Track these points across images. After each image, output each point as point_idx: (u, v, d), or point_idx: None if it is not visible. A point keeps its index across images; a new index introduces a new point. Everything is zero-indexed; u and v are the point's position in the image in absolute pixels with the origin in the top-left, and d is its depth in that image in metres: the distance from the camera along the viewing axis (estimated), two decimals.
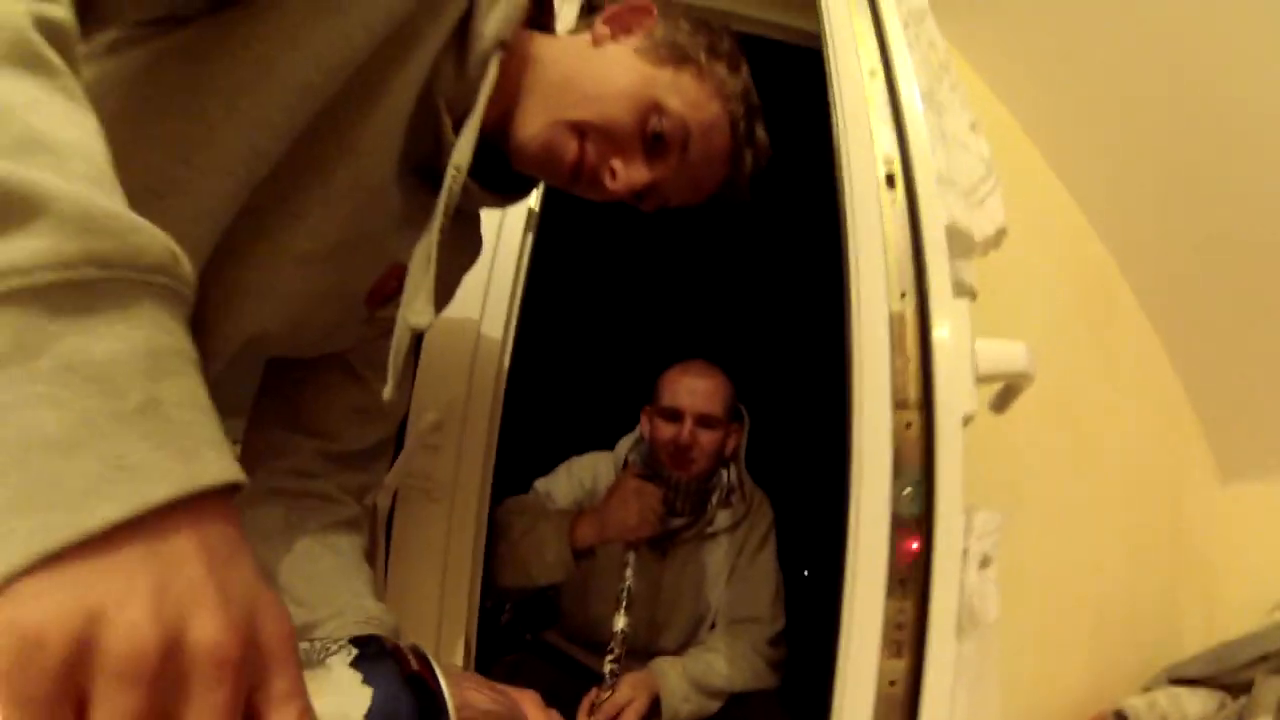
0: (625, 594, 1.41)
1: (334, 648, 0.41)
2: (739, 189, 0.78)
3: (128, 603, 0.25)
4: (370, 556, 0.85)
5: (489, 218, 0.95)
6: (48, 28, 0.34)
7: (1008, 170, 1.66)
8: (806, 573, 1.66)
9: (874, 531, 0.71)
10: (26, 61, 0.32)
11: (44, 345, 0.26)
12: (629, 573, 1.41)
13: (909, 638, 0.71)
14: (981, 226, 0.96)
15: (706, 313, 2.17)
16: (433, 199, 0.66)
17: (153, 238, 0.31)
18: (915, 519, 0.72)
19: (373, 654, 0.39)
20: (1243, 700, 1.48)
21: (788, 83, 1.26)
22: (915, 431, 0.75)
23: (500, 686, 0.56)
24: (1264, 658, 1.50)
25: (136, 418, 0.27)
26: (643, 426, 1.58)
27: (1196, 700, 1.53)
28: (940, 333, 0.76)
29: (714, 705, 1.40)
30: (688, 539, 1.52)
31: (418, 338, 0.71)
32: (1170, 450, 1.71)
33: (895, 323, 0.78)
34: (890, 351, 0.76)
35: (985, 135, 1.22)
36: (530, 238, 1.21)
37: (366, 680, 0.37)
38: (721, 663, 1.43)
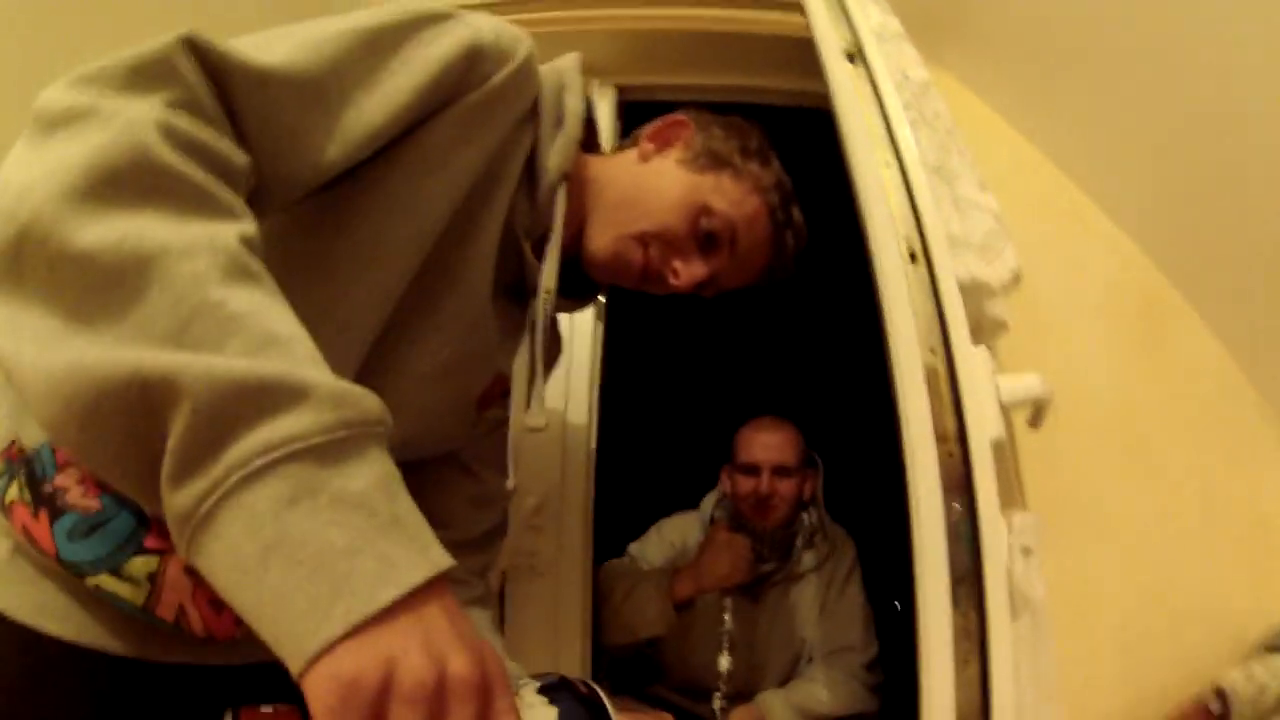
0: (726, 636, 1.75)
1: (521, 682, 0.59)
2: (785, 267, 1.02)
3: (409, 652, 0.40)
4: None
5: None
6: (248, 242, 0.48)
7: (1042, 204, 2.05)
8: (898, 604, 2.00)
9: (934, 543, 1.08)
10: (243, 274, 0.46)
11: (320, 487, 0.40)
12: (727, 616, 1.76)
13: (975, 624, 1.08)
14: (998, 275, 1.34)
15: (771, 375, 2.55)
16: (523, 311, 0.86)
17: (373, 400, 0.46)
18: (963, 529, 1.10)
19: (552, 683, 0.57)
20: None
21: (809, 148, 1.58)
22: (956, 458, 1.13)
23: (641, 714, 0.85)
24: None
25: (390, 528, 0.42)
26: (723, 484, 1.94)
27: None
28: (965, 377, 1.14)
29: None
30: (778, 582, 1.85)
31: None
32: (1237, 437, 2.00)
33: (929, 374, 1.16)
34: (928, 396, 1.14)
35: (1012, 179, 1.59)
36: (601, 327, 1.54)
37: (552, 702, 0.55)
38: (822, 690, 1.74)
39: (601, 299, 1.53)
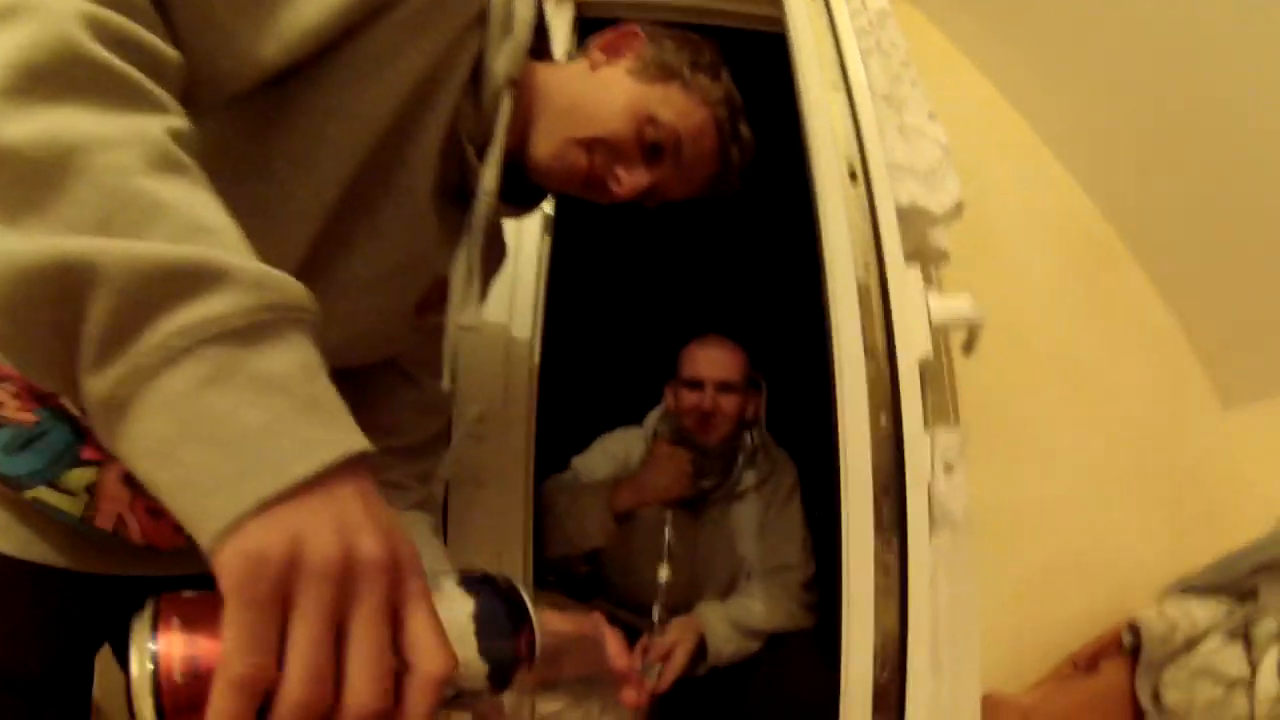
0: (666, 548, 1.79)
1: (441, 575, 0.57)
2: (729, 181, 1.01)
3: (318, 530, 0.40)
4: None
5: (509, 225, 1.14)
6: (177, 136, 0.47)
7: (993, 139, 2.06)
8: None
9: (859, 455, 1.10)
10: (171, 166, 0.45)
11: (238, 368, 0.40)
12: (668, 529, 1.80)
13: (894, 535, 1.10)
14: (941, 202, 1.34)
15: (715, 294, 2.55)
16: (465, 217, 0.86)
17: (298, 287, 0.45)
18: (887, 443, 1.11)
19: (472, 577, 0.55)
20: (1249, 606, 1.78)
21: (764, 73, 1.63)
22: (883, 373, 1.14)
23: (570, 613, 0.76)
24: (1267, 565, 1.81)
25: (307, 409, 0.42)
26: (667, 400, 1.98)
27: (1205, 609, 1.82)
28: (897, 295, 1.15)
29: (754, 645, 1.76)
30: (718, 499, 1.90)
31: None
32: (1170, 383, 2.04)
33: (862, 290, 1.16)
34: (859, 311, 1.15)
35: (966, 112, 1.59)
36: (548, 240, 1.54)
37: (469, 591, 0.54)
38: (759, 606, 1.78)
39: (549, 211, 1.52)
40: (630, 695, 0.68)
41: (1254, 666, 1.70)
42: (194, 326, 0.40)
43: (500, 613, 0.53)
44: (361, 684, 0.40)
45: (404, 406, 0.98)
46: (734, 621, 1.77)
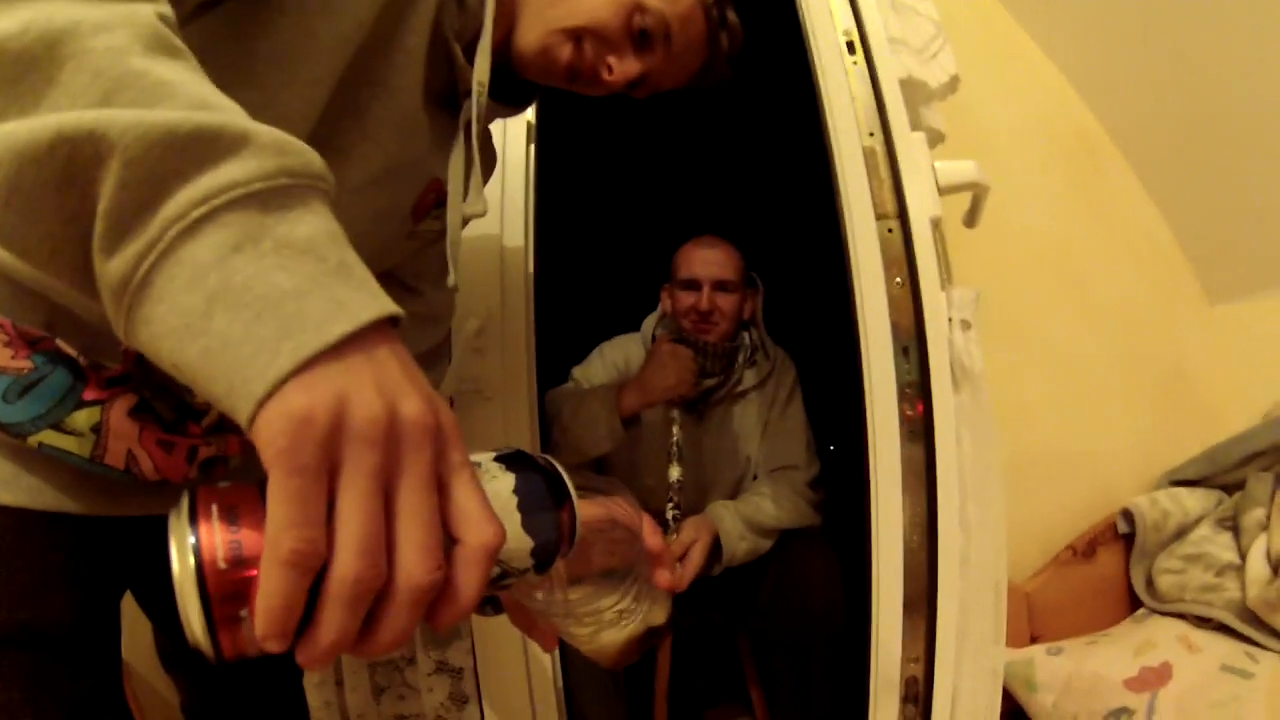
0: (675, 447, 1.78)
1: (477, 453, 0.53)
2: (719, 69, 0.98)
3: (361, 389, 0.37)
4: None
5: (494, 137, 1.10)
6: (166, 21, 0.45)
7: (982, 37, 2.03)
8: (832, 447, 2.02)
9: (877, 313, 1.07)
10: (166, 49, 0.43)
11: (263, 233, 0.38)
12: (676, 428, 1.78)
13: (918, 392, 1.07)
14: (935, 76, 1.31)
15: (707, 193, 2.50)
16: (455, 119, 0.84)
17: (316, 155, 0.43)
18: (907, 300, 1.08)
19: (509, 453, 0.52)
20: (1237, 496, 1.82)
21: None
22: (896, 234, 1.11)
23: (596, 498, 0.80)
24: (1255, 455, 1.85)
25: (339, 272, 0.40)
26: (664, 303, 1.95)
27: (1195, 498, 1.88)
28: (904, 156, 1.12)
29: (766, 543, 1.74)
30: (720, 399, 1.88)
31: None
32: (1157, 279, 2.05)
33: (868, 154, 1.13)
34: (867, 175, 1.11)
35: (957, 8, 1.55)
36: (532, 149, 1.49)
37: (508, 467, 0.50)
38: (768, 503, 1.76)
39: (531, 120, 1.46)
40: (665, 577, 0.65)
41: (1243, 553, 1.72)
42: (215, 193, 0.38)
43: (541, 488, 0.50)
44: (414, 556, 0.38)
45: (405, 318, 0.96)
46: (746, 519, 1.75)
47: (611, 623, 0.63)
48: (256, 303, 0.37)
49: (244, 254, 0.38)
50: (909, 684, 1.09)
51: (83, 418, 0.65)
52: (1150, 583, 1.86)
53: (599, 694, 1.61)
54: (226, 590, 0.37)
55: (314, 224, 0.41)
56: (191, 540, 0.37)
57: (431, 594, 0.38)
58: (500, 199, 1.47)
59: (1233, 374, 2.06)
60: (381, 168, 0.78)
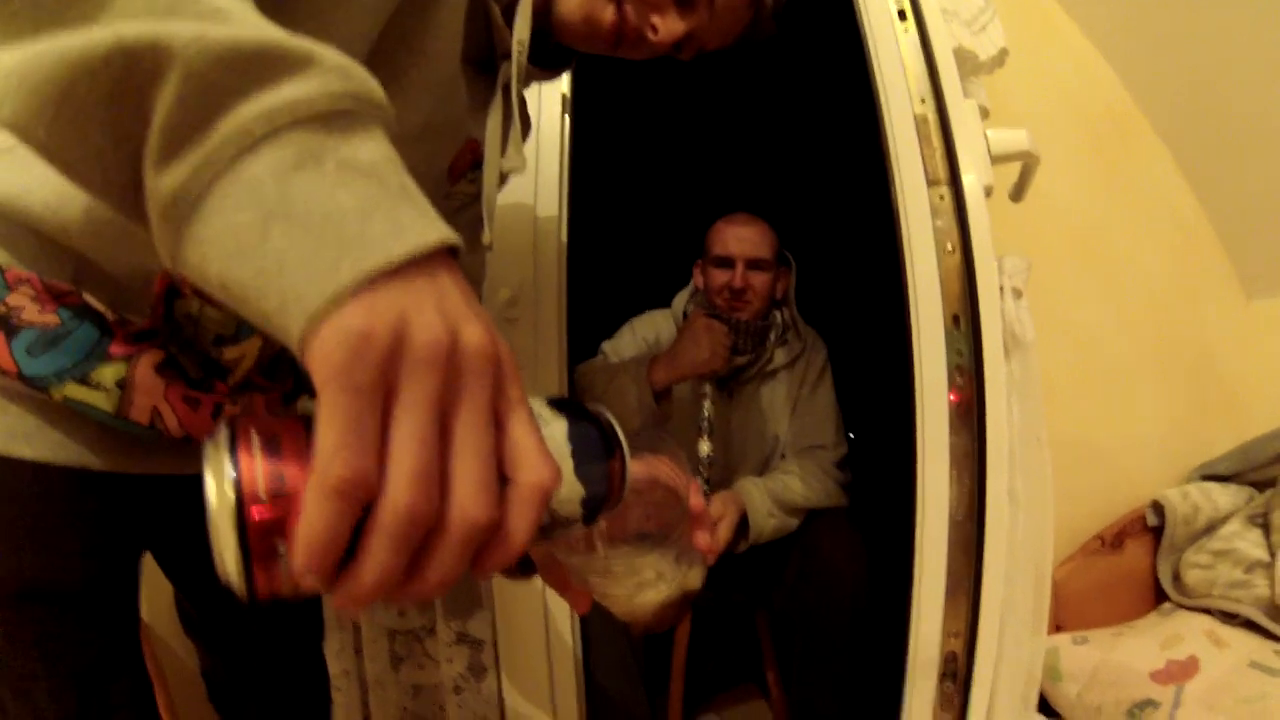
0: (706, 422, 1.75)
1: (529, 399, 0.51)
2: (764, 25, 0.94)
3: (423, 310, 0.35)
4: None
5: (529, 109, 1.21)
6: None
7: (1018, 12, 1.95)
8: (851, 435, 1.98)
9: (928, 280, 1.02)
10: None
11: (326, 153, 0.36)
12: (707, 403, 1.75)
13: (968, 362, 1.02)
14: (984, 48, 1.27)
15: (742, 169, 2.45)
16: (493, 83, 0.82)
17: (377, 84, 0.41)
18: (958, 268, 1.04)
19: (561, 399, 0.50)
20: (1269, 493, 1.76)
21: None
22: (947, 201, 1.06)
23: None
24: None
25: (401, 196, 0.37)
26: (696, 280, 1.92)
27: (1226, 494, 1.82)
28: (957, 123, 1.07)
29: (793, 522, 1.72)
30: (750, 377, 1.85)
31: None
32: (1192, 270, 1.99)
33: (919, 121, 1.09)
34: (919, 142, 1.07)
35: None
36: (568, 120, 1.47)
37: (561, 413, 0.48)
38: (796, 482, 1.73)
39: (566, 92, 1.47)
40: (704, 539, 0.62)
41: (1273, 551, 1.68)
42: (277, 111, 0.36)
43: (595, 436, 0.47)
44: (470, 492, 0.35)
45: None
46: (774, 496, 1.72)
47: (649, 584, 0.60)
48: (317, 221, 0.35)
49: (305, 172, 0.36)
50: (948, 660, 1.05)
51: (108, 372, 0.63)
52: (1177, 577, 1.81)
53: (617, 670, 1.57)
54: (265, 523, 0.34)
55: (376, 149, 0.38)
56: (230, 471, 0.34)
57: (485, 534, 0.36)
58: (535, 170, 1.45)
59: (1268, 370, 2.00)
60: (418, 127, 0.75)
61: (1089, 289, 1.91)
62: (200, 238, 0.36)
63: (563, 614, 1.37)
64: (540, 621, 1.35)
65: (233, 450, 0.34)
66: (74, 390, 0.61)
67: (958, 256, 1.03)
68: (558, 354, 1.41)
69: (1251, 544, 1.72)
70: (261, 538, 0.34)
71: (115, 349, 0.63)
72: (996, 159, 1.10)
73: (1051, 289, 1.82)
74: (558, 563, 0.60)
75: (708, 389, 1.77)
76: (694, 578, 0.62)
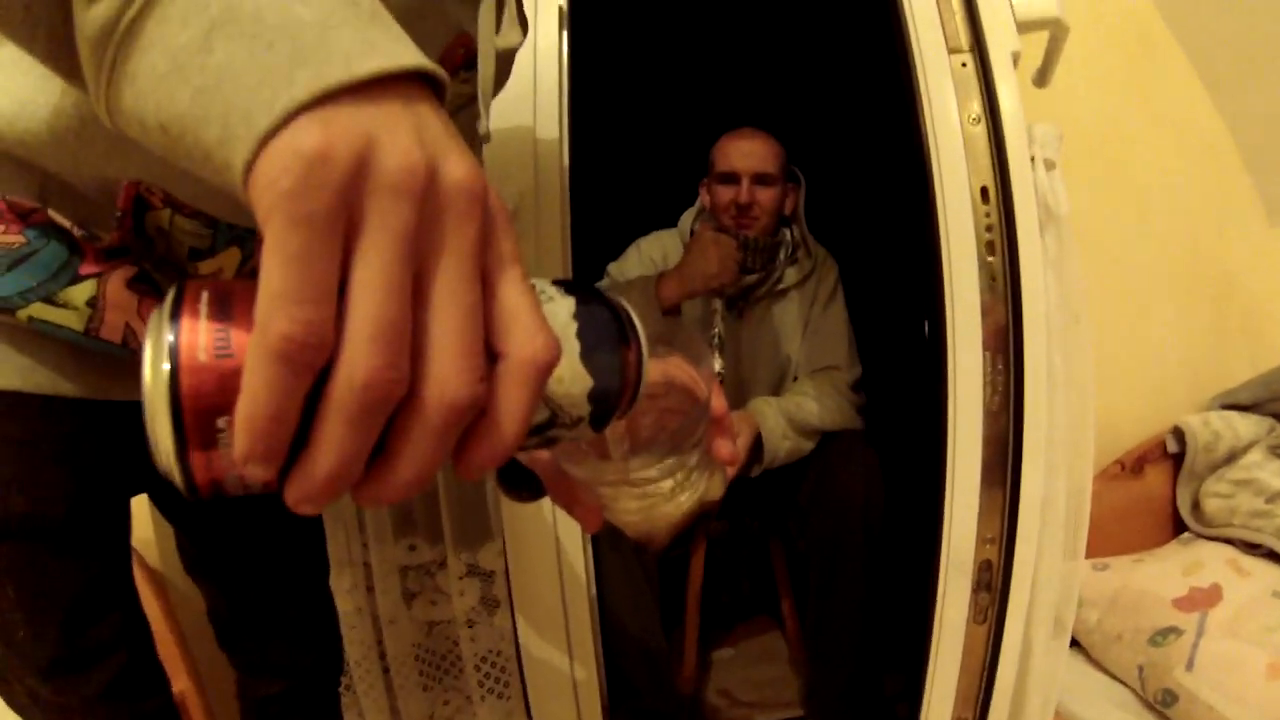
0: (717, 339, 1.63)
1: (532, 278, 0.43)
2: None
3: (396, 132, 0.27)
4: None
5: None
6: None
7: None
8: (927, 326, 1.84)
9: (952, 151, 0.87)
10: None
11: None
12: (717, 319, 1.62)
13: (999, 238, 0.87)
14: None
15: (748, 85, 2.26)
16: None
17: None
18: (985, 137, 0.88)
19: (571, 281, 0.41)
20: None
21: None
22: (970, 69, 0.91)
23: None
24: None
25: (372, 19, 0.30)
26: (703, 198, 1.77)
27: (1248, 423, 1.71)
28: None
29: (808, 445, 1.59)
30: (760, 296, 1.71)
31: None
32: (1217, 194, 1.84)
33: None
34: (937, 7, 0.91)
35: None
36: (565, 35, 1.31)
37: (569, 292, 0.39)
38: (811, 403, 1.61)
39: (563, 4, 1.30)
40: (726, 448, 0.52)
41: None
42: None
43: (607, 319, 0.37)
44: (448, 360, 0.27)
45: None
46: (788, 416, 1.58)
47: (666, 497, 0.51)
48: (269, 32, 0.27)
49: None
50: (982, 569, 0.89)
51: (78, 292, 0.56)
52: (1196, 505, 1.72)
53: (632, 603, 1.47)
54: (201, 396, 0.26)
55: None
56: (169, 336, 0.26)
57: (468, 415, 0.28)
58: (534, 90, 1.32)
59: None
60: (401, 8, 0.62)
61: (1113, 209, 1.78)
62: (134, 74, 0.28)
63: (575, 546, 1.28)
64: (553, 553, 1.25)
65: (176, 314, 0.27)
66: (40, 310, 0.55)
67: (983, 126, 0.88)
68: (562, 272, 1.30)
69: (1272, 474, 1.61)
70: (197, 413, 0.26)
71: (85, 268, 0.56)
72: (1023, 26, 0.94)
73: (1075, 209, 1.67)
74: (566, 476, 0.50)
75: (717, 305, 1.66)
76: (714, 489, 0.54)
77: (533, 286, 0.31)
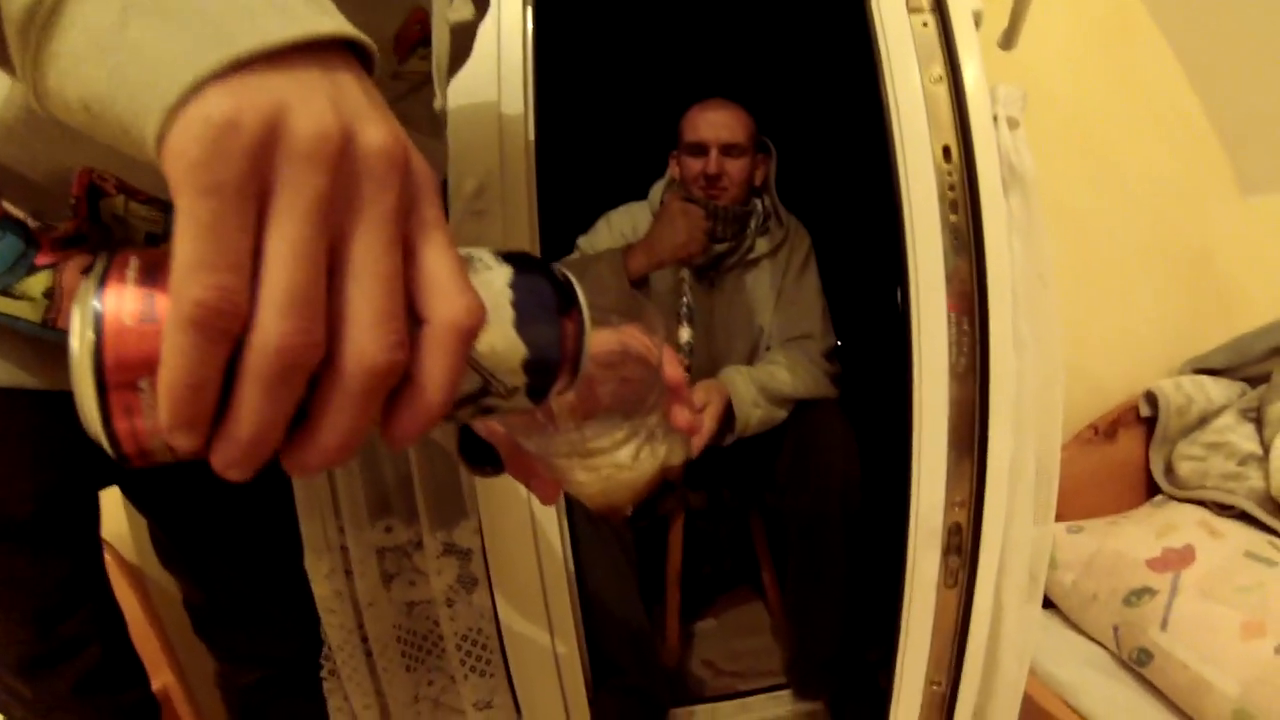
0: (686, 308, 1.61)
1: (470, 249, 0.41)
2: None
3: (310, 99, 0.27)
4: None
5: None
6: None
7: None
8: (840, 343, 1.83)
9: (912, 107, 0.84)
10: None
11: None
12: (686, 288, 1.60)
13: (962, 197, 0.85)
14: None
15: (716, 56, 2.22)
16: None
17: None
18: (946, 95, 0.85)
19: (513, 252, 0.39)
20: (1262, 388, 1.66)
21: None
22: (932, 28, 0.88)
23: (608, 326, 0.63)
24: None
25: None
26: (672, 170, 1.75)
27: (1219, 387, 1.71)
28: None
29: (781, 414, 1.57)
30: (732, 265, 1.69)
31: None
32: (1191, 165, 1.82)
33: None
34: None
35: None
36: (530, 10, 1.28)
37: (506, 261, 0.38)
38: (783, 372, 1.59)
39: None
40: (683, 415, 0.51)
41: (1266, 445, 1.58)
42: None
43: (546, 290, 0.37)
44: (365, 325, 0.26)
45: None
46: (760, 384, 1.57)
47: (624, 467, 0.50)
48: (183, 8, 0.27)
49: None
50: (952, 531, 0.88)
51: (34, 283, 0.56)
52: (1170, 469, 1.72)
53: (612, 575, 1.46)
54: (125, 362, 0.26)
55: None
56: (95, 304, 0.26)
57: (387, 381, 0.27)
58: (498, 63, 1.29)
59: (1262, 266, 1.86)
60: None
61: (1088, 179, 1.77)
62: (57, 53, 0.28)
63: (551, 522, 1.28)
64: (529, 530, 1.23)
65: (103, 283, 0.27)
66: None
67: (945, 85, 0.86)
68: (529, 248, 1.25)
69: (1244, 437, 1.62)
70: (119, 379, 0.26)
71: (41, 259, 0.56)
72: None
73: (1049, 178, 1.65)
74: (521, 449, 0.50)
75: (685, 274, 1.63)
76: (674, 456, 0.53)
77: (463, 254, 0.32)
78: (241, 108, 0.25)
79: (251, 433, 0.26)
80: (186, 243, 0.24)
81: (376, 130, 0.28)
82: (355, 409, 0.27)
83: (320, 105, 0.27)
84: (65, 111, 0.30)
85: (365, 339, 0.27)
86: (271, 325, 0.25)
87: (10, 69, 0.31)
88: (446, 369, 0.28)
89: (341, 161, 0.27)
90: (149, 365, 0.26)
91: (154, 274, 0.27)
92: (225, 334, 0.25)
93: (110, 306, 0.26)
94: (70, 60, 0.28)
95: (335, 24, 0.29)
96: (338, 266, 0.27)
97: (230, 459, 0.27)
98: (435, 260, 0.29)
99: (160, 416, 0.26)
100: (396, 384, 0.28)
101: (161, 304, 0.27)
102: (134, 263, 0.28)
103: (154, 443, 0.27)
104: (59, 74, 0.29)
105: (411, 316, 0.29)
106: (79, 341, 0.26)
